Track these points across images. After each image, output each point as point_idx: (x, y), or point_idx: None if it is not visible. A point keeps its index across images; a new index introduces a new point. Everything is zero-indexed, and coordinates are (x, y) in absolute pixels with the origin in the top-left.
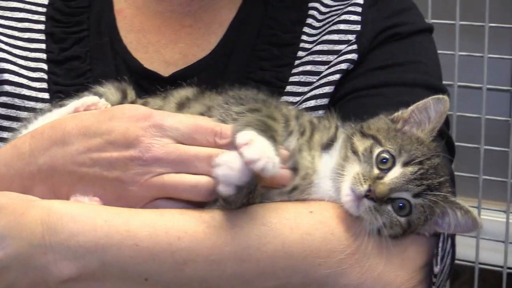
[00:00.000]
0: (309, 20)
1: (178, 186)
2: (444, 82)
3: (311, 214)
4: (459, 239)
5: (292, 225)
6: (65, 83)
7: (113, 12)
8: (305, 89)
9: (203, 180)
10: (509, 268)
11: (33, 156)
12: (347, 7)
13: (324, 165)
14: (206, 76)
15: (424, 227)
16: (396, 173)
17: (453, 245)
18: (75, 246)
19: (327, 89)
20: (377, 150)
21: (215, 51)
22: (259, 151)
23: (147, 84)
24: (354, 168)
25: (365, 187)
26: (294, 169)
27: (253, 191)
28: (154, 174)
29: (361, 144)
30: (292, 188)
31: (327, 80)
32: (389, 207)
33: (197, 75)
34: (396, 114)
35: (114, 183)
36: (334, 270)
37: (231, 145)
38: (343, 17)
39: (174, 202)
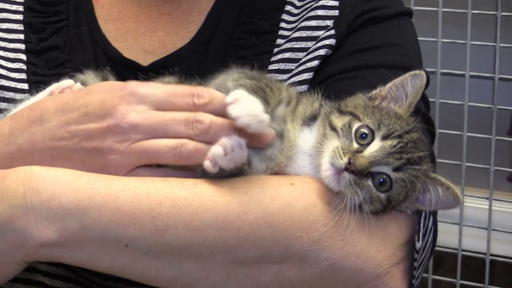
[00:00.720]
0: (288, 7)
1: (157, 150)
2: (427, 69)
3: (292, 186)
4: (442, 226)
5: (273, 195)
6: (44, 73)
7: (91, 1)
8: (285, 76)
9: (182, 142)
10: (492, 255)
11: (12, 136)
12: None
13: (303, 139)
14: (185, 65)
15: (406, 204)
16: (375, 146)
17: (435, 223)
18: (56, 207)
19: (306, 75)
20: (356, 125)
21: (194, 40)
22: (245, 109)
23: (126, 73)
24: (333, 143)
25: (344, 160)
26: (281, 137)
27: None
28: (133, 140)
29: (339, 121)
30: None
31: (306, 67)
32: (369, 182)
33: (176, 64)
34: (373, 91)
35: (93, 154)
36: (315, 242)
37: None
38: (321, 2)
39: (155, 171)
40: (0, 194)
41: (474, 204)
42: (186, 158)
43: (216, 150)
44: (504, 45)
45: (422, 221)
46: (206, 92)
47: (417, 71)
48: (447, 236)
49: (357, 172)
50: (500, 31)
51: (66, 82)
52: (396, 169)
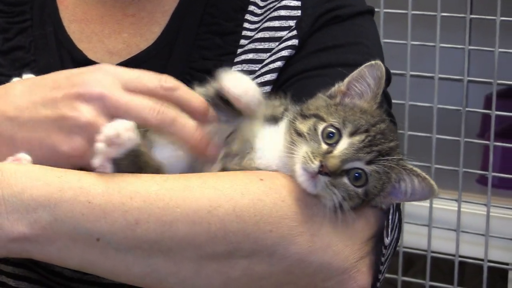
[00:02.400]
0: (251, 7)
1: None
2: (397, 72)
3: (261, 181)
4: (411, 228)
5: (243, 190)
6: (9, 73)
7: (55, 1)
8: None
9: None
10: (461, 256)
11: None
12: None
13: (266, 135)
14: (150, 67)
15: (381, 197)
16: (344, 144)
17: (399, 220)
18: (28, 199)
19: (269, 77)
20: (321, 126)
21: (158, 41)
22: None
23: None
24: (302, 149)
25: (316, 163)
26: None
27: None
28: (99, 111)
29: (304, 126)
30: (232, 154)
31: (269, 68)
32: (345, 180)
33: (140, 65)
34: (332, 88)
35: (59, 122)
36: (285, 237)
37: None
38: (284, 2)
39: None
40: None
41: (443, 206)
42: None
43: (98, 145)
44: (473, 48)
45: (390, 216)
46: (173, 79)
47: (373, 62)
48: (417, 237)
49: (331, 173)
50: (469, 33)
51: (26, 76)
52: (368, 163)
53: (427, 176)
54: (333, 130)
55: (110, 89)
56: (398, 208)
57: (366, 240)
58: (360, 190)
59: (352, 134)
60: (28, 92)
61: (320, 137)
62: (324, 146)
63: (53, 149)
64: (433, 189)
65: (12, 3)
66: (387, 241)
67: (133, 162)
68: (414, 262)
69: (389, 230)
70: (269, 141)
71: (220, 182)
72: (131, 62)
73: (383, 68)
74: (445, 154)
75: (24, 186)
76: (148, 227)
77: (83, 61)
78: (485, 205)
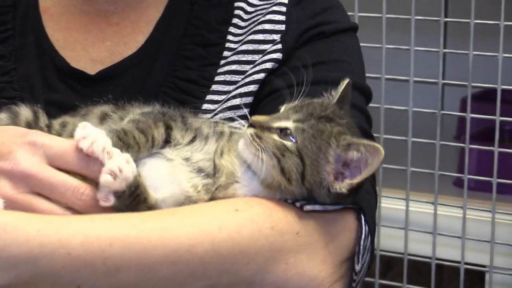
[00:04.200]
0: (235, 20)
1: (41, 209)
2: (372, 75)
3: (237, 212)
4: (388, 231)
5: (220, 224)
6: None
7: (39, 11)
8: (231, 88)
9: (83, 187)
10: (438, 259)
11: None
12: (272, 6)
13: (239, 169)
14: (132, 75)
15: (327, 168)
16: (281, 110)
17: (372, 243)
18: (8, 256)
19: (252, 87)
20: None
21: (142, 49)
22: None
23: (74, 83)
24: None
25: (246, 124)
26: (216, 170)
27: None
28: (22, 190)
29: None
30: (217, 187)
31: (252, 79)
32: (274, 135)
33: (123, 73)
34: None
35: None
36: (262, 268)
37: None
38: (268, 16)
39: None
40: None
41: (420, 208)
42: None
43: (105, 178)
44: (448, 51)
45: (362, 242)
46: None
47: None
48: (394, 240)
49: (256, 124)
50: (444, 36)
51: None
52: (297, 121)
53: (370, 142)
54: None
55: (35, 168)
56: (370, 232)
57: (340, 263)
58: (289, 144)
59: (288, 108)
60: None
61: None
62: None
63: None
64: (379, 150)
65: None
66: (357, 267)
67: (133, 192)
68: (391, 265)
69: (360, 257)
70: (245, 176)
71: (197, 218)
72: (114, 69)
73: (346, 81)
74: (421, 157)
75: (4, 243)
76: (128, 272)
77: (65, 68)
78: (461, 207)
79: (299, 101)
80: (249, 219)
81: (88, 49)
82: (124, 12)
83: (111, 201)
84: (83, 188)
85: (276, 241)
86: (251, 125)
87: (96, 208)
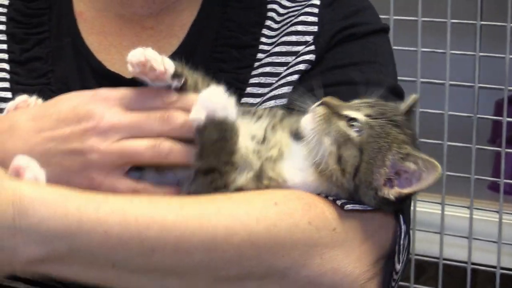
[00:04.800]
0: (268, 22)
1: (137, 148)
2: (407, 79)
3: (276, 206)
4: (423, 235)
5: (258, 216)
6: (27, 83)
7: (73, 14)
8: (265, 90)
9: (160, 140)
10: (473, 264)
11: None
12: (304, 8)
13: (293, 149)
14: None
15: (382, 173)
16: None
17: (409, 242)
18: (45, 231)
19: (286, 89)
20: None
21: (176, 53)
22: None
23: (110, 86)
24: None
25: (318, 102)
26: (266, 140)
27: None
28: (113, 140)
29: None
30: (267, 157)
31: (285, 81)
32: (341, 122)
33: None
34: None
35: (71, 156)
36: (297, 261)
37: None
38: (300, 18)
39: (135, 183)
40: None
41: (455, 213)
42: (165, 156)
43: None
44: (483, 54)
45: (401, 241)
46: (173, 93)
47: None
48: (429, 245)
49: (328, 105)
50: (480, 40)
51: (20, 98)
52: (368, 116)
53: (429, 158)
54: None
55: (116, 117)
56: (408, 232)
57: (375, 262)
58: (353, 135)
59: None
60: (34, 127)
61: None
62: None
63: (68, 183)
64: (436, 168)
65: (30, 14)
66: (398, 267)
67: (218, 125)
68: (425, 269)
69: (400, 256)
70: (295, 156)
71: (235, 209)
72: None
73: (416, 98)
74: (456, 161)
75: (42, 217)
76: (164, 255)
77: (102, 71)
78: (497, 211)
79: (373, 98)
80: (287, 213)
81: (123, 53)
82: (159, 16)
83: (202, 116)
84: (166, 114)
85: (313, 236)
86: (322, 103)
87: (185, 130)
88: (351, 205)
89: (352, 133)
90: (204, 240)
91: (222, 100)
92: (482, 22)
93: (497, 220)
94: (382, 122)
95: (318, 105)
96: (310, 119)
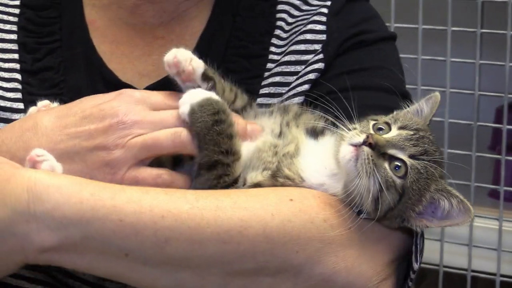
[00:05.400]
0: (277, 31)
1: (158, 139)
2: (408, 86)
3: (291, 202)
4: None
5: (273, 211)
6: (39, 93)
7: (85, 22)
8: (275, 100)
9: (180, 129)
10: (474, 271)
11: (4, 145)
12: (312, 16)
13: (309, 147)
14: (179, 89)
15: (416, 210)
16: (392, 133)
17: (423, 243)
18: (60, 217)
19: (297, 99)
20: (373, 121)
21: None
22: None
23: None
24: (353, 131)
25: (362, 136)
26: (282, 135)
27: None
28: (135, 135)
29: (357, 125)
30: (284, 153)
31: (296, 91)
32: (386, 164)
33: (170, 88)
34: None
35: (95, 151)
36: (311, 258)
37: None
38: (309, 26)
39: (155, 173)
40: (3, 197)
41: None
42: (185, 145)
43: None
44: (484, 62)
45: (418, 241)
46: None
47: (432, 94)
48: (429, 252)
49: (375, 146)
50: (480, 47)
51: (42, 103)
52: (412, 156)
53: (464, 199)
54: (384, 126)
55: (140, 114)
56: (423, 234)
57: (389, 262)
58: (398, 181)
59: (401, 128)
60: (58, 124)
61: (370, 127)
62: (371, 130)
63: (91, 179)
64: (469, 212)
65: (41, 23)
66: (416, 266)
67: (216, 113)
68: (426, 275)
69: (418, 255)
70: (312, 153)
71: (251, 202)
72: (161, 84)
73: (438, 97)
74: (457, 168)
75: (57, 203)
76: (177, 246)
77: (114, 81)
78: (497, 219)
79: (412, 126)
80: (302, 209)
81: (134, 63)
82: (170, 26)
83: (187, 107)
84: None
85: (328, 234)
86: (370, 145)
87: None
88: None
89: (397, 179)
90: (219, 232)
91: (203, 92)
92: (482, 30)
93: (497, 227)
94: (424, 163)
95: (366, 145)
96: (352, 155)
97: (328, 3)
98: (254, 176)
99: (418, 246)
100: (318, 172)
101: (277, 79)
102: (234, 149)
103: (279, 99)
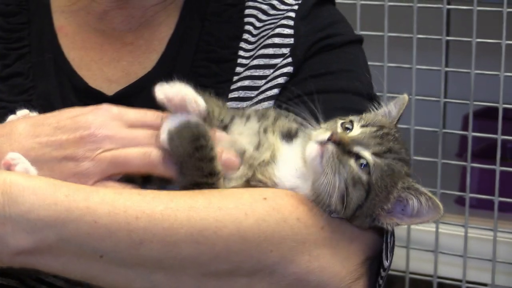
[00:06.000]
0: (245, 35)
1: (128, 156)
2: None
3: (265, 201)
4: None
5: (247, 210)
6: (9, 99)
7: (54, 28)
8: (244, 104)
9: (150, 149)
10: (439, 277)
11: None
12: (280, 20)
13: (283, 150)
14: (149, 94)
15: (384, 208)
16: (356, 131)
17: (393, 244)
18: (35, 219)
19: (266, 104)
20: (340, 120)
21: (156, 68)
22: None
23: (91, 103)
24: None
25: (327, 133)
26: (259, 145)
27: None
28: (105, 149)
29: (325, 124)
30: (259, 162)
31: (266, 96)
32: (352, 161)
33: (140, 93)
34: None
35: (64, 162)
36: (285, 257)
37: None
38: (277, 30)
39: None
40: None
41: (422, 227)
42: (155, 165)
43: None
44: (449, 69)
45: (388, 239)
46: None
47: (400, 96)
48: (395, 259)
49: (340, 143)
50: (446, 55)
51: (21, 112)
52: (376, 154)
53: (433, 196)
54: (350, 125)
55: (114, 130)
56: (393, 232)
57: (362, 262)
58: (364, 177)
59: (365, 126)
60: (32, 132)
61: (338, 125)
62: (339, 129)
63: None
64: (438, 209)
65: (9, 29)
66: (386, 263)
67: (196, 139)
68: (393, 283)
69: (388, 253)
70: (285, 157)
71: (225, 202)
72: (130, 90)
73: (406, 99)
74: (423, 175)
75: (32, 205)
76: (152, 247)
77: (83, 87)
78: (463, 226)
79: (377, 125)
80: (276, 208)
81: (104, 69)
82: (138, 31)
83: (165, 135)
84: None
85: (301, 233)
86: (334, 142)
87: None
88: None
89: (363, 175)
90: (193, 232)
91: (181, 117)
92: (448, 37)
93: (463, 234)
94: (389, 161)
95: (331, 142)
96: (318, 152)
97: (296, 7)
98: (227, 183)
99: (389, 244)
100: (290, 175)
101: (246, 83)
102: (217, 170)
103: (248, 103)
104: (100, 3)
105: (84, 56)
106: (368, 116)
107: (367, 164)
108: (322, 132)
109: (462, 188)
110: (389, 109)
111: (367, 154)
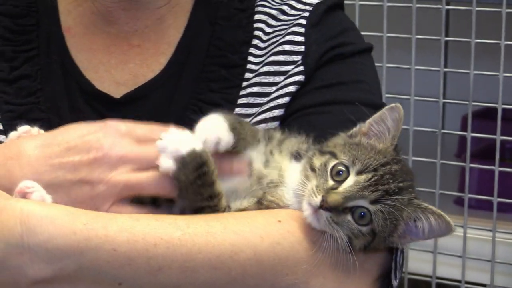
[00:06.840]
0: (255, 41)
1: (141, 180)
2: None
3: (279, 223)
4: None
5: (262, 234)
6: (16, 102)
7: (61, 30)
8: (253, 110)
9: (164, 172)
10: (438, 278)
11: None
12: (290, 27)
13: (290, 173)
14: (157, 97)
15: (396, 237)
16: (350, 182)
17: (403, 260)
18: (53, 248)
19: (277, 112)
20: (331, 163)
21: (165, 71)
22: (204, 128)
23: (98, 106)
24: (311, 184)
25: (318, 197)
26: (267, 162)
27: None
28: (120, 171)
29: (318, 161)
30: (268, 182)
31: (277, 103)
32: (349, 217)
33: (147, 96)
34: (353, 129)
35: (79, 185)
36: (299, 280)
37: None
38: (288, 37)
39: (138, 209)
40: None
41: None
42: (167, 189)
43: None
44: (448, 70)
45: (397, 258)
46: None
47: (393, 104)
48: None
49: (332, 208)
50: (445, 55)
51: (22, 128)
52: (373, 202)
53: (442, 213)
54: (343, 168)
55: (126, 149)
56: (402, 250)
57: (374, 281)
58: (364, 229)
59: (359, 172)
60: (42, 154)
61: (328, 173)
62: (330, 182)
63: None
64: (449, 226)
65: (18, 31)
66: (395, 283)
67: (198, 167)
68: None
69: (397, 273)
70: (292, 178)
71: (240, 226)
72: (138, 92)
73: (402, 111)
74: (422, 175)
75: (50, 234)
76: (170, 273)
77: (90, 91)
78: (462, 226)
79: (370, 167)
80: (290, 231)
81: (111, 71)
82: (145, 34)
83: (170, 164)
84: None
85: (316, 255)
86: (326, 209)
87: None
88: None
89: (362, 228)
90: (211, 258)
91: (182, 138)
92: (447, 38)
93: (462, 234)
94: (390, 201)
95: (323, 209)
96: (313, 216)
97: (307, 14)
98: (239, 204)
99: (398, 264)
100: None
101: (255, 89)
102: (217, 192)
103: (258, 109)
104: (102, 3)
105: (92, 58)
106: (362, 151)
107: (366, 213)
108: (313, 194)
109: (461, 189)
110: (384, 117)
111: (364, 204)
